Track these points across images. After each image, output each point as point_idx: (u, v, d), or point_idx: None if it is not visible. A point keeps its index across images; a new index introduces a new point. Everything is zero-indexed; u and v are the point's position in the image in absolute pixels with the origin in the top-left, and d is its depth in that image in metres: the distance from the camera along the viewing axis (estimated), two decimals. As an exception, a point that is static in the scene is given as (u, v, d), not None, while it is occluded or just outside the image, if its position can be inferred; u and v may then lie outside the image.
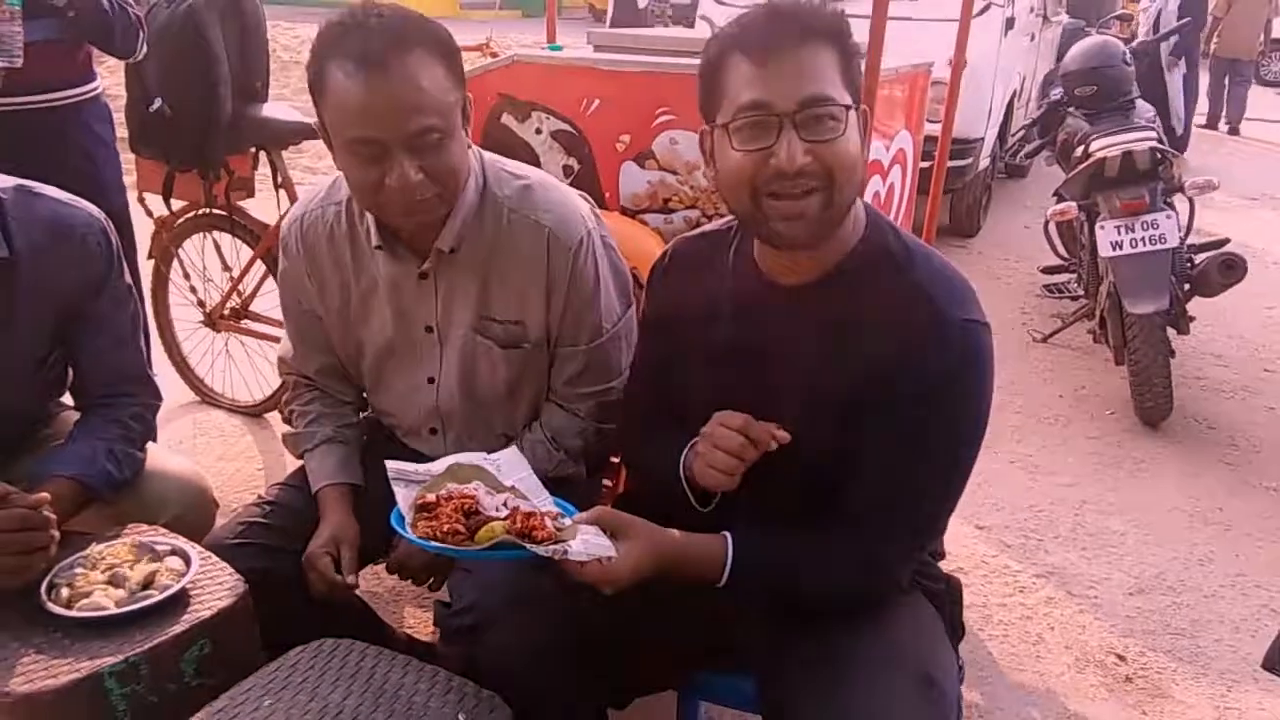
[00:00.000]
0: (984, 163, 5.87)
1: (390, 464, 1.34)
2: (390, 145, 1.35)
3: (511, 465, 1.37)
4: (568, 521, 1.24)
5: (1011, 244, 6.05)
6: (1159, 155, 3.53)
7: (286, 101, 3.46)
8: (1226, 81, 10.47)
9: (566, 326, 1.61)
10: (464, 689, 1.27)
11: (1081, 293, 4.16)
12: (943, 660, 1.30)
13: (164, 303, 3.47)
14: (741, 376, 1.36)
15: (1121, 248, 3.43)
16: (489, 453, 1.41)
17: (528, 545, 1.16)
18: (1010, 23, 5.70)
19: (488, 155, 1.61)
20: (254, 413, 3.40)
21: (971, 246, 6.09)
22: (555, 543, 1.17)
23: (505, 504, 1.25)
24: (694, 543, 1.28)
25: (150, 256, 3.33)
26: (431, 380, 1.66)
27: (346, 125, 1.36)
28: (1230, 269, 3.48)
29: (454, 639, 1.49)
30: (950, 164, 5.49)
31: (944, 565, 2.65)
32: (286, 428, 1.80)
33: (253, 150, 3.14)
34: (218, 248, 3.34)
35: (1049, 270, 4.53)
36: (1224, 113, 10.68)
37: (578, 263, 1.56)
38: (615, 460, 1.95)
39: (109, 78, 3.13)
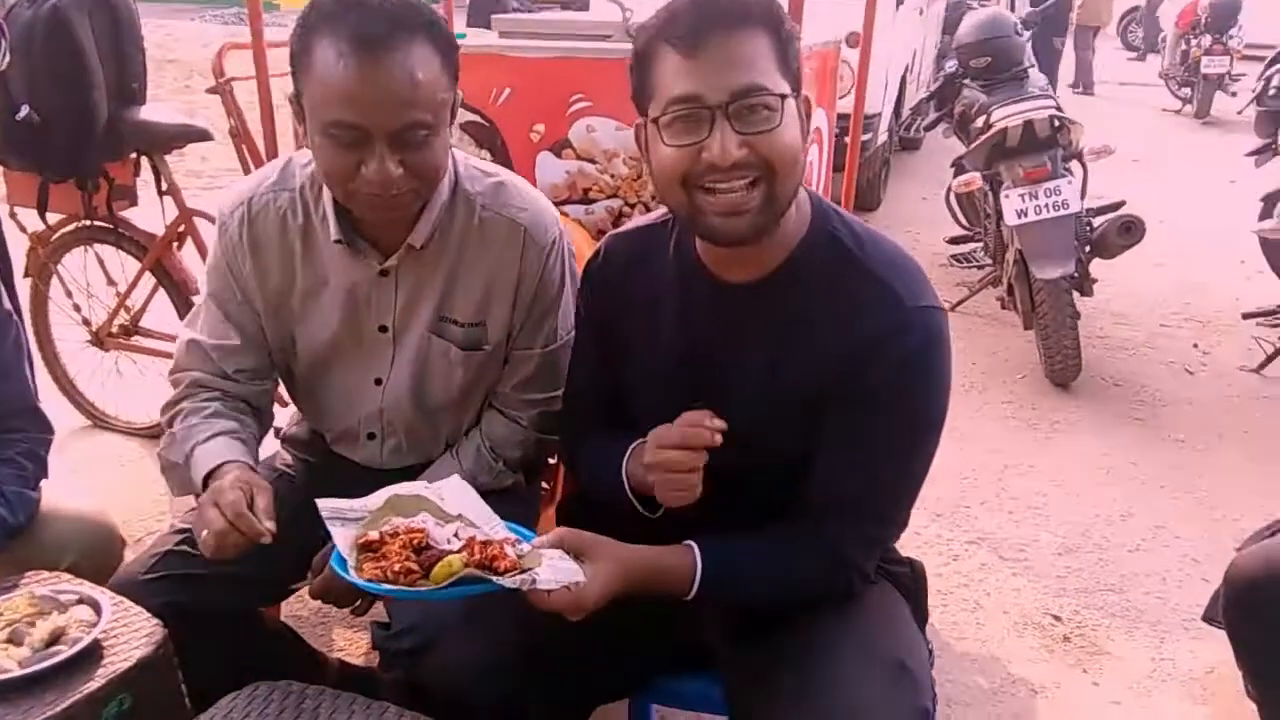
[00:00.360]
0: (882, 137, 5.96)
1: (322, 502, 1.22)
2: (374, 135, 1.26)
3: (455, 492, 1.27)
4: (527, 547, 1.16)
5: (911, 216, 6.17)
6: (1057, 123, 3.61)
7: (164, 102, 3.26)
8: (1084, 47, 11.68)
9: (527, 329, 1.55)
10: (416, 723, 1.19)
11: (989, 261, 4.25)
12: (913, 645, 1.28)
13: (45, 323, 3.25)
14: (690, 379, 1.31)
15: (1026, 215, 3.50)
16: (428, 474, 1.33)
17: (492, 578, 1.08)
18: (900, -2, 5.78)
19: (457, 151, 1.52)
20: (152, 434, 3.20)
21: (874, 220, 6.16)
22: (520, 572, 1.09)
23: (457, 534, 1.16)
24: (661, 557, 1.22)
25: (27, 275, 3.10)
26: (379, 382, 1.56)
27: (329, 107, 1.25)
28: (1129, 230, 3.59)
29: (395, 662, 1.41)
30: (848, 139, 5.59)
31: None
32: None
33: (133, 156, 2.94)
34: (100, 262, 3.13)
35: (955, 240, 4.61)
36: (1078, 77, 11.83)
37: (549, 263, 1.51)
38: (553, 463, 1.88)
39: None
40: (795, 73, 1.16)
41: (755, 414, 1.26)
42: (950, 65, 4.56)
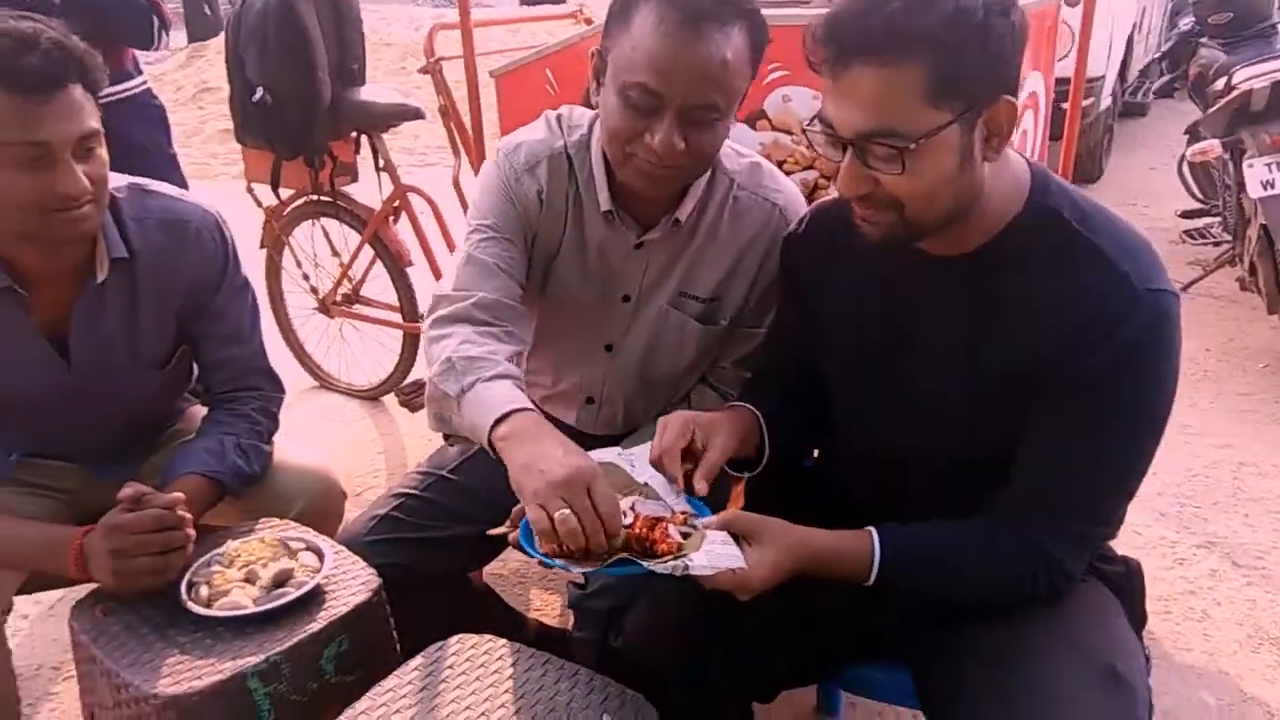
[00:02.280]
0: (1105, 102, 5.53)
1: None
2: (666, 104, 1.29)
3: (645, 459, 1.29)
4: (699, 523, 1.16)
5: (1137, 187, 5.71)
6: (1313, 83, 3.23)
7: (380, 83, 3.44)
8: None
9: (758, 307, 1.56)
10: (606, 688, 1.21)
11: (1227, 237, 3.87)
12: (1128, 650, 1.18)
13: (278, 291, 3.51)
14: (887, 352, 1.26)
15: (1273, 186, 3.15)
16: (628, 440, 1.34)
17: (644, 564, 1.09)
18: (1129, -48, 5.33)
19: None
20: (370, 396, 3.42)
21: (1095, 192, 5.65)
22: (675, 558, 1.09)
23: (634, 507, 1.17)
24: (836, 541, 1.18)
25: (262, 246, 3.37)
26: (609, 348, 1.60)
27: (635, 69, 1.29)
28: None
29: (588, 623, 1.44)
30: (1067, 105, 5.22)
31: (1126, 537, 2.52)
32: (406, 411, 1.65)
33: (354, 134, 3.13)
34: (326, 234, 3.35)
35: (1188, 214, 4.23)
36: None
37: None
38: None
39: (209, 70, 3.17)
40: (974, 92, 1.03)
41: (949, 394, 1.20)
42: (1186, 22, 4.18)
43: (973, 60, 1.02)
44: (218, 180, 6.38)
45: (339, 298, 3.38)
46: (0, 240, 1.40)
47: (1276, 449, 2.96)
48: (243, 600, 1.32)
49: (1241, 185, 3.32)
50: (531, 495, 1.12)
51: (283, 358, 3.48)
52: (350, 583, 1.39)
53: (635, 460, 1.29)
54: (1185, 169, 4.09)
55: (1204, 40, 3.96)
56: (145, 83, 2.74)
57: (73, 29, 1.38)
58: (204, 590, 1.34)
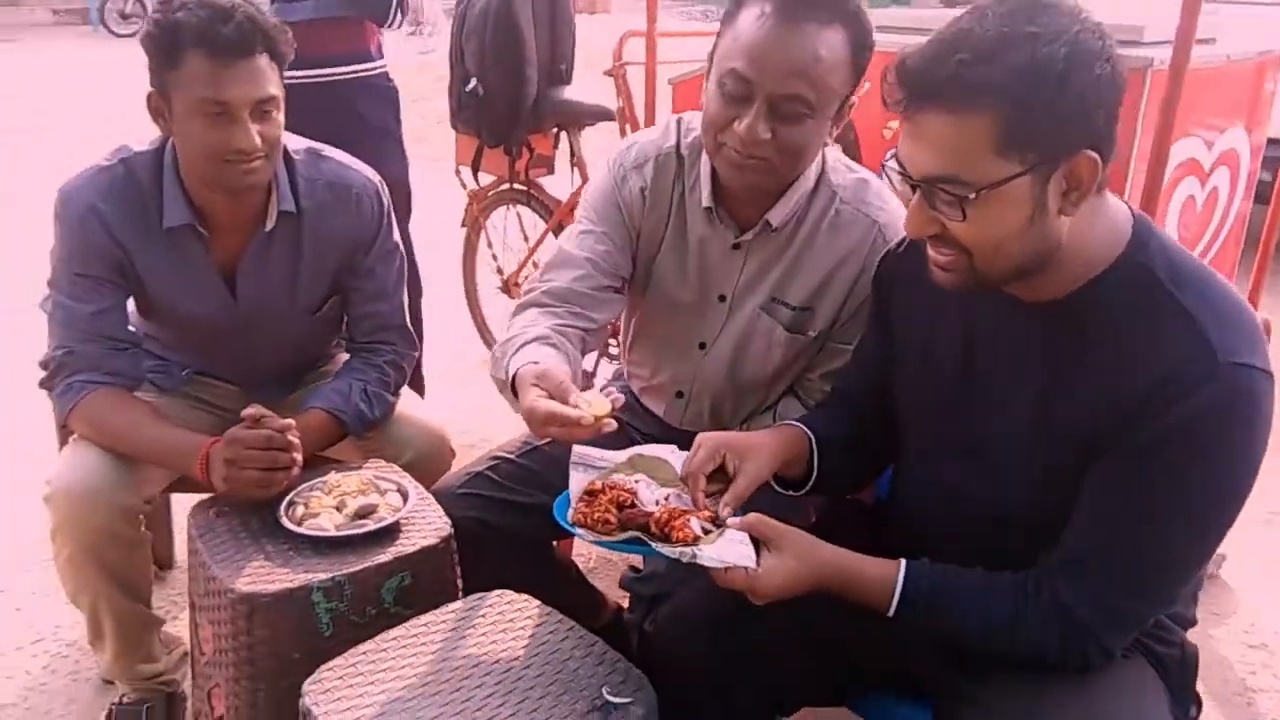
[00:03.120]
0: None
1: (576, 447, 1.35)
2: (756, 92, 1.35)
3: None
4: (736, 520, 1.20)
5: None
6: None
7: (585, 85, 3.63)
8: None
9: (851, 323, 1.58)
10: (616, 664, 1.27)
11: None
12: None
13: (472, 269, 3.78)
14: (961, 392, 1.24)
15: None
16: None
17: (654, 544, 1.15)
18: None
19: (830, 149, 1.59)
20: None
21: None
22: (688, 545, 1.13)
23: (668, 499, 1.23)
24: (861, 565, 1.18)
25: (463, 225, 3.64)
26: (702, 346, 1.66)
27: (730, 57, 1.37)
28: None
29: (637, 606, 1.50)
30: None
31: (1246, 637, 2.30)
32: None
33: (554, 130, 3.32)
34: (520, 220, 3.58)
35: None
36: None
37: None
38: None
39: (441, 67, 3.46)
40: (1048, 141, 1.01)
41: (1018, 443, 1.16)
42: None
43: (1045, 112, 1.00)
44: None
45: (520, 280, 3.59)
46: (190, 185, 1.64)
47: None
48: (326, 524, 1.48)
49: None
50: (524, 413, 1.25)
51: (468, 330, 3.76)
52: (424, 526, 1.53)
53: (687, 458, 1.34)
54: None
55: None
56: (384, 65, 3.02)
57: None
58: (300, 510, 1.51)
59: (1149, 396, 1.03)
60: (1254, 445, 1.04)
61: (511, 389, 1.38)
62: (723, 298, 1.61)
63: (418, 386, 2.72)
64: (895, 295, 1.37)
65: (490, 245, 3.60)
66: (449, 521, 1.54)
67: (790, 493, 1.40)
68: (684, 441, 1.69)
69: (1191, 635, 2.09)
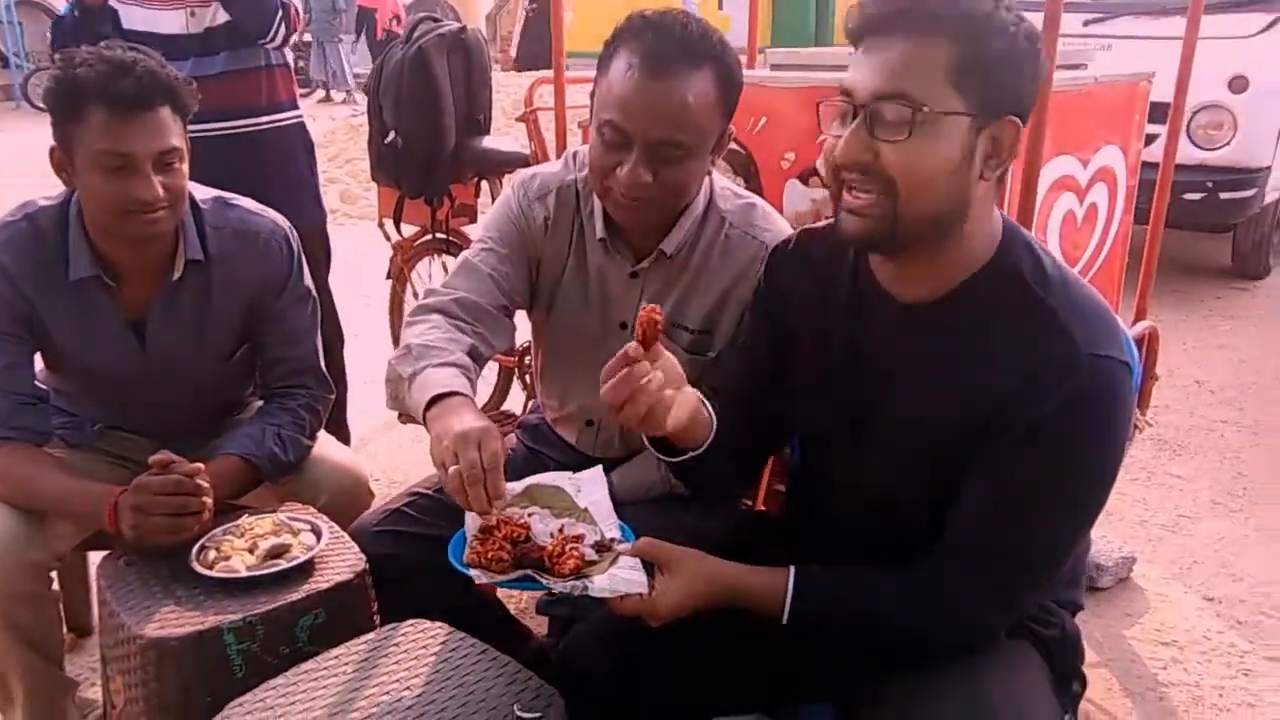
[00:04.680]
0: (1271, 195, 5.19)
1: None
2: (633, 140, 1.41)
3: (591, 485, 1.39)
4: (626, 546, 1.23)
5: (1307, 287, 5.31)
6: None
7: (505, 134, 3.72)
8: None
9: None
10: (528, 682, 1.29)
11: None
12: (1039, 713, 1.16)
13: (399, 319, 3.77)
14: (850, 390, 1.29)
15: None
16: (624, 466, 1.43)
17: (545, 580, 1.18)
18: (1309, 39, 5.03)
19: (716, 174, 1.66)
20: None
21: (1256, 290, 5.41)
22: (578, 577, 1.17)
23: (563, 529, 1.27)
24: (751, 576, 1.22)
25: (389, 277, 3.66)
26: None
27: (606, 107, 1.43)
28: None
29: (553, 630, 1.52)
30: (1227, 196, 4.96)
31: (1156, 635, 2.38)
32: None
33: (475, 179, 3.37)
34: (445, 269, 3.60)
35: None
36: None
37: None
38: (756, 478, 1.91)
39: (360, 116, 3.50)
40: (993, 94, 1.08)
41: (906, 437, 1.22)
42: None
43: (996, 60, 1.07)
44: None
45: (447, 329, 3.61)
46: (95, 237, 1.65)
47: (1392, 569, 2.69)
48: (238, 566, 1.48)
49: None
50: (434, 456, 1.25)
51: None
52: (338, 563, 1.53)
53: (582, 485, 1.38)
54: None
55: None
56: (299, 115, 3.04)
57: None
58: (211, 554, 1.51)
59: (1021, 390, 1.10)
60: (1117, 431, 1.12)
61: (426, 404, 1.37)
62: (624, 325, 1.65)
63: (342, 435, 2.73)
64: (785, 291, 1.39)
65: (416, 295, 3.63)
66: (364, 558, 1.55)
67: (663, 457, 1.37)
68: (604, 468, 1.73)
69: (1105, 635, 2.18)
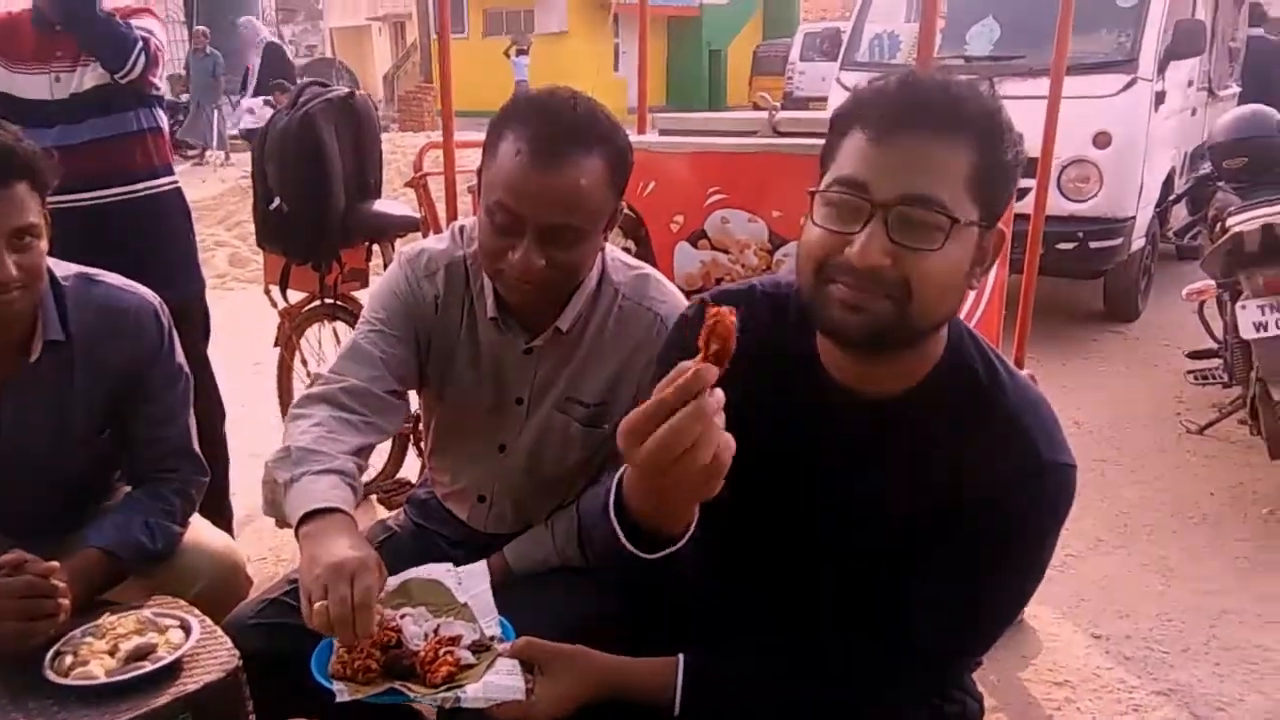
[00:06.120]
0: (1137, 243, 5.49)
1: None
2: (525, 224, 1.38)
3: (473, 579, 1.34)
4: (505, 646, 1.19)
5: (1175, 329, 5.58)
6: (1309, 227, 3.20)
7: (397, 198, 3.67)
8: None
9: None
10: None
11: (1225, 378, 3.79)
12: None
13: (288, 388, 3.66)
14: (784, 481, 1.19)
15: (1266, 329, 3.11)
16: (518, 540, 1.42)
17: (413, 692, 1.13)
18: (1160, 97, 5.37)
19: (610, 248, 1.64)
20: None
21: (1129, 332, 5.68)
22: (450, 687, 1.13)
23: (438, 630, 1.22)
24: (640, 669, 1.18)
25: (276, 344, 3.55)
26: (502, 449, 1.66)
27: (495, 189, 1.40)
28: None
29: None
30: (1096, 245, 5.23)
31: (1050, 676, 2.43)
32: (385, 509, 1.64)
33: (366, 243, 3.32)
34: (336, 336, 3.52)
35: (1195, 355, 4.15)
36: None
37: None
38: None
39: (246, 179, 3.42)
40: (995, 201, 1.04)
41: (859, 533, 1.17)
42: (1204, 166, 4.19)
43: (1004, 168, 1.04)
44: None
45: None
46: None
47: (1263, 599, 2.82)
48: (96, 672, 1.37)
49: (1238, 327, 3.27)
50: (302, 583, 1.17)
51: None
52: (209, 661, 1.44)
53: (463, 578, 1.33)
54: (1204, 310, 4.04)
55: (1220, 184, 3.95)
56: (175, 182, 2.94)
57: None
58: (68, 660, 1.40)
59: (983, 492, 1.09)
60: (1060, 528, 1.13)
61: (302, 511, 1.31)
62: (520, 400, 1.63)
63: (222, 516, 2.61)
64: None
65: (305, 363, 3.53)
66: (237, 654, 1.46)
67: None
68: (488, 546, 1.68)
69: (1000, 678, 2.20)
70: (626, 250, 2.26)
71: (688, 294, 2.19)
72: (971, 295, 2.41)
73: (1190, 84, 6.15)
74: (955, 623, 1.14)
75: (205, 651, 1.46)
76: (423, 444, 1.84)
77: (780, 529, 1.22)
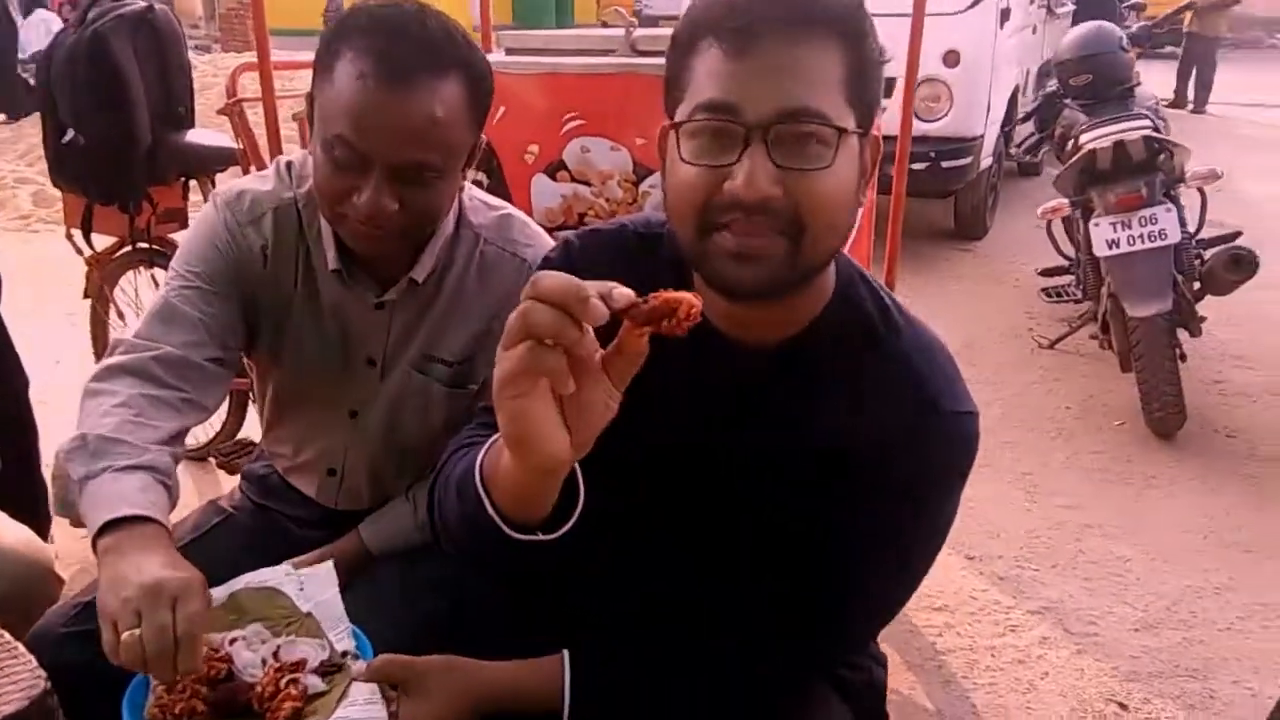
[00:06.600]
0: (985, 161, 5.60)
1: None
2: (371, 162, 1.17)
3: (317, 583, 1.13)
4: (360, 665, 1.01)
5: (1020, 245, 5.76)
6: (1156, 145, 3.26)
7: (214, 128, 3.28)
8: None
9: None
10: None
11: (1080, 294, 3.90)
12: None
13: (104, 344, 3.28)
14: (674, 449, 1.04)
15: (1118, 246, 3.17)
16: (378, 514, 1.28)
17: None
18: (1005, 14, 5.42)
19: (466, 186, 1.43)
20: (195, 457, 3.21)
21: (978, 249, 5.83)
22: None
23: (275, 654, 1.02)
24: (521, 672, 1.03)
25: (86, 296, 3.17)
26: (353, 415, 1.46)
27: (334, 120, 1.17)
28: (1238, 264, 3.21)
29: None
30: (948, 164, 5.30)
31: (928, 602, 2.43)
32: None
33: (180, 179, 2.97)
34: (155, 283, 3.16)
35: (1047, 272, 4.27)
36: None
37: None
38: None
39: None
40: (869, 105, 0.92)
41: (748, 492, 1.04)
42: (1051, 84, 4.25)
43: (871, 64, 0.91)
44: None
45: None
46: None
47: (1122, 511, 2.92)
48: None
49: (1090, 244, 3.33)
50: (105, 608, 0.97)
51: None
52: (7, 689, 1.21)
53: (306, 582, 1.13)
54: (1052, 227, 4.13)
55: (1067, 102, 4.01)
56: None
57: None
58: None
59: (879, 447, 0.96)
60: (965, 479, 1.01)
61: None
62: (371, 361, 1.42)
63: (33, 493, 2.29)
64: None
65: (121, 316, 3.16)
66: (44, 675, 1.23)
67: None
68: (342, 525, 1.49)
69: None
70: (476, 184, 2.05)
71: (550, 231, 2.03)
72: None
73: (1032, 1, 6.25)
74: (859, 586, 1.02)
75: (2, 676, 1.22)
76: (258, 414, 1.60)
77: (679, 494, 1.07)
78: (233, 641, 1.03)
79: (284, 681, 0.97)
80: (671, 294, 0.75)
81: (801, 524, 1.02)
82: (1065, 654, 2.29)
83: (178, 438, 1.24)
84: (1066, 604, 2.47)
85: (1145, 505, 2.96)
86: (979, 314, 4.66)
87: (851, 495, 0.98)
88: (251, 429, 3.08)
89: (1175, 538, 2.77)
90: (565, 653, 1.03)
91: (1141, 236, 3.13)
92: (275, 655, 1.01)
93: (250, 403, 2.97)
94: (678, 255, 0.99)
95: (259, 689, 0.97)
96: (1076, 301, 4.08)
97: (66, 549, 2.21)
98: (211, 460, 3.00)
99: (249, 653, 1.01)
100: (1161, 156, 3.27)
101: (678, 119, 0.92)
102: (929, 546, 1.04)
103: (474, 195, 1.45)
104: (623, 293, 0.76)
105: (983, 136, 5.40)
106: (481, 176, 2.04)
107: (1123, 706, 2.12)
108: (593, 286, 0.75)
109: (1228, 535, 2.78)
